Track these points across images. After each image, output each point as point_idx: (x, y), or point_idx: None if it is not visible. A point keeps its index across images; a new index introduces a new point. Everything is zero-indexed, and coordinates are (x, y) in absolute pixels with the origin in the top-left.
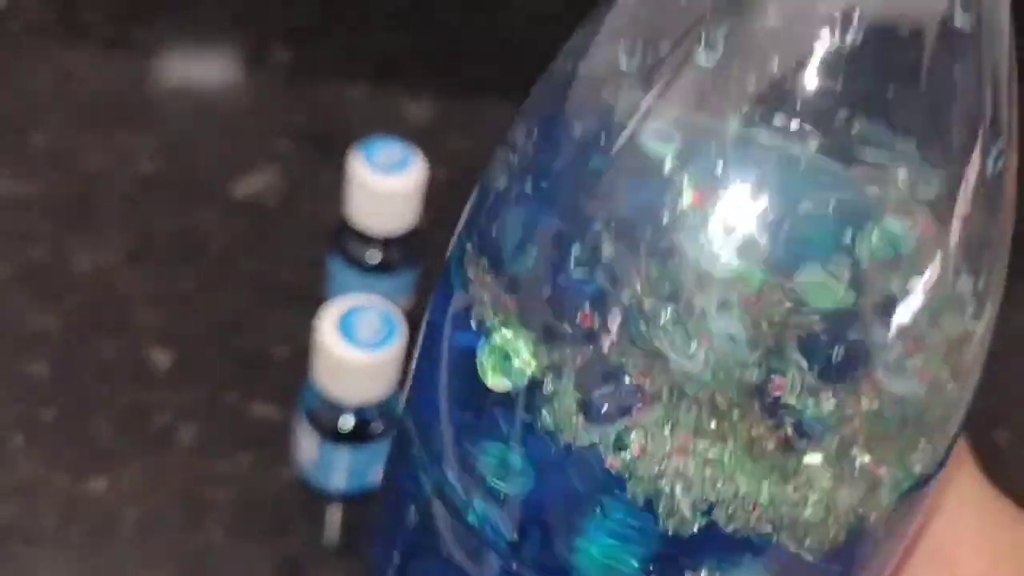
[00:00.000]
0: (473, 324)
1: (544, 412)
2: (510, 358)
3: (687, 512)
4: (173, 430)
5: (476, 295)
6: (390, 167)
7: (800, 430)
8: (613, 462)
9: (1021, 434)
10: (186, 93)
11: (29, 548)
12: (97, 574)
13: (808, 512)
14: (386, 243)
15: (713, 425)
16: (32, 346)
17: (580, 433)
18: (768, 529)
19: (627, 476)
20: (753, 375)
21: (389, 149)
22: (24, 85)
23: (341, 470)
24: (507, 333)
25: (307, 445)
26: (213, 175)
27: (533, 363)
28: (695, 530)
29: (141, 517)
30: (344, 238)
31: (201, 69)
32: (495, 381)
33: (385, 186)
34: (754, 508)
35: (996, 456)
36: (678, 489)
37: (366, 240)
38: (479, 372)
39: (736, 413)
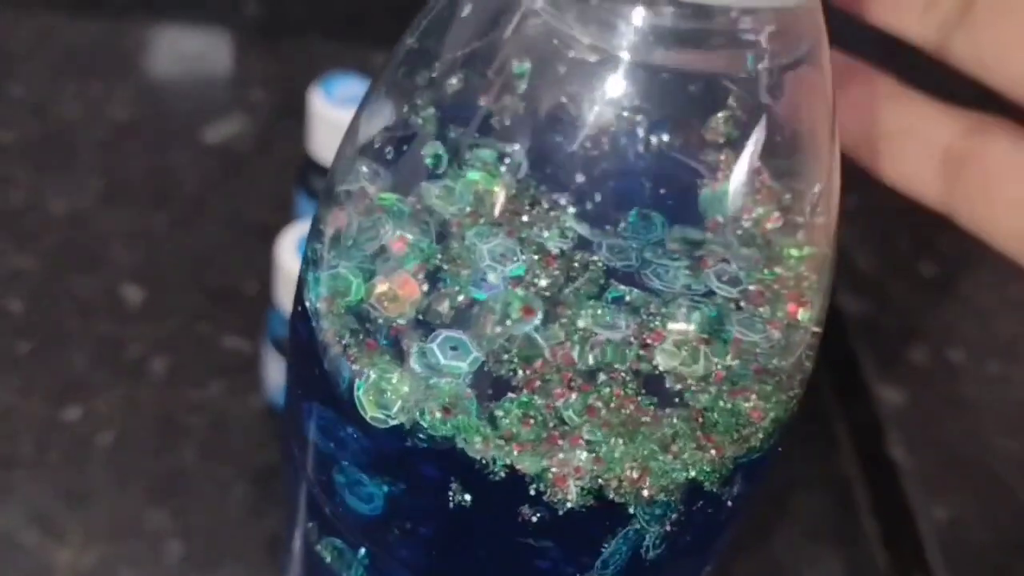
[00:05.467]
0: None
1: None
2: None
3: (573, 495)
4: (146, 361)
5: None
6: (350, 101)
7: (669, 396)
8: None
9: (974, 352)
10: (160, 48)
11: (5, 471)
12: (73, 494)
13: (692, 473)
14: None
15: (591, 404)
16: (8, 284)
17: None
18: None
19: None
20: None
21: (348, 83)
22: (2, 41)
23: None
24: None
25: (275, 371)
26: (186, 122)
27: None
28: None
29: (115, 442)
30: (308, 173)
31: (176, 25)
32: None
33: (345, 120)
34: (640, 481)
35: (950, 373)
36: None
37: None
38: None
39: (608, 391)
